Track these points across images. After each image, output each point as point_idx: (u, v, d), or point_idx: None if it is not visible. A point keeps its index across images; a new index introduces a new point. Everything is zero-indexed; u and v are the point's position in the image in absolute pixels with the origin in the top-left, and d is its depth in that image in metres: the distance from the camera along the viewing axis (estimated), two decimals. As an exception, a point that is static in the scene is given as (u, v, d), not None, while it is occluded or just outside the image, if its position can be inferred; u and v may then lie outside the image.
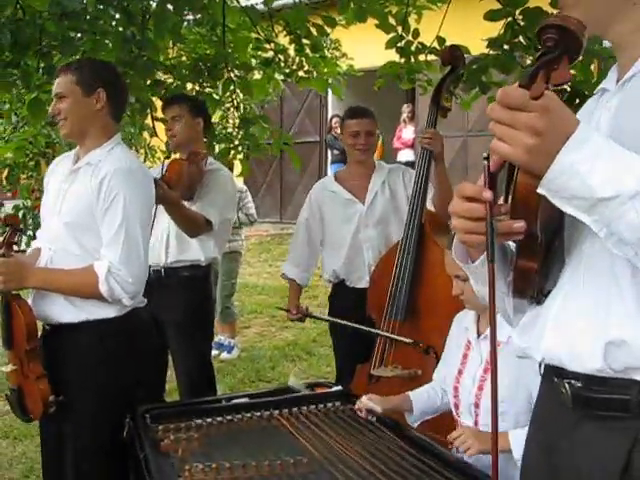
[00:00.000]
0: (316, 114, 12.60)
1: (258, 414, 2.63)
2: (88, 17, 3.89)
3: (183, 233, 3.59)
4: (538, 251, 1.22)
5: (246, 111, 5.17)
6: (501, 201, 1.16)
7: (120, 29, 4.21)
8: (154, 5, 4.32)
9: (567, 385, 1.24)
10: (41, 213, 2.80)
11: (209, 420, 2.55)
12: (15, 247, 2.70)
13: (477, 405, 2.34)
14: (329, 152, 12.22)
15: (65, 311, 2.56)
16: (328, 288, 4.04)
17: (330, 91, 10.30)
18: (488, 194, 1.13)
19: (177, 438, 2.37)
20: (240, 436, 2.46)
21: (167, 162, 3.67)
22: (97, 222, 2.54)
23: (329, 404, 2.74)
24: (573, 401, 1.24)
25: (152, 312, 3.52)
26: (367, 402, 2.51)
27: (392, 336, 3.25)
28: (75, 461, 2.58)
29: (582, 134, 1.05)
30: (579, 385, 1.22)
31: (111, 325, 2.58)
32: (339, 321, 3.61)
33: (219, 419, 2.56)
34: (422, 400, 2.58)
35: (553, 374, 1.28)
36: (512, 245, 1.32)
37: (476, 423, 2.33)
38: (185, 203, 3.57)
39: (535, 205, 1.11)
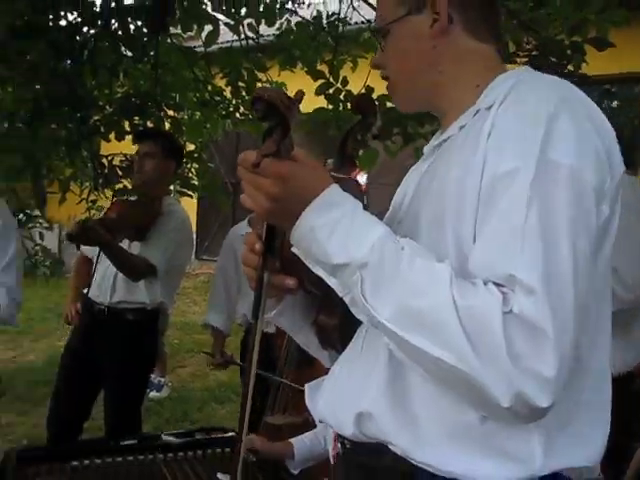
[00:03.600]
0: (272, 154, 12.65)
1: (141, 457, 2.58)
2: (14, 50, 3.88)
3: None
4: (336, 308, 1.23)
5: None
6: None
7: (51, 64, 4.20)
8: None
9: (340, 445, 1.25)
10: None
11: (87, 462, 2.49)
12: None
13: None
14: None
15: None
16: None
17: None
18: (259, 246, 1.15)
19: (46, 481, 2.32)
20: (113, 481, 2.42)
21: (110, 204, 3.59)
22: None
23: (218, 450, 2.70)
24: (344, 460, 1.24)
25: (89, 347, 3.49)
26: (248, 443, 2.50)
27: (287, 381, 3.22)
28: None
29: (326, 200, 1.06)
30: (349, 447, 1.22)
31: None
32: (263, 372, 3.52)
33: (97, 462, 2.51)
34: (303, 447, 2.56)
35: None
36: None
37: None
38: (131, 244, 3.49)
39: (300, 262, 1.11)
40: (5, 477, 2.39)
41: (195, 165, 5.37)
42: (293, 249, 1.10)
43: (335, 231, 1.04)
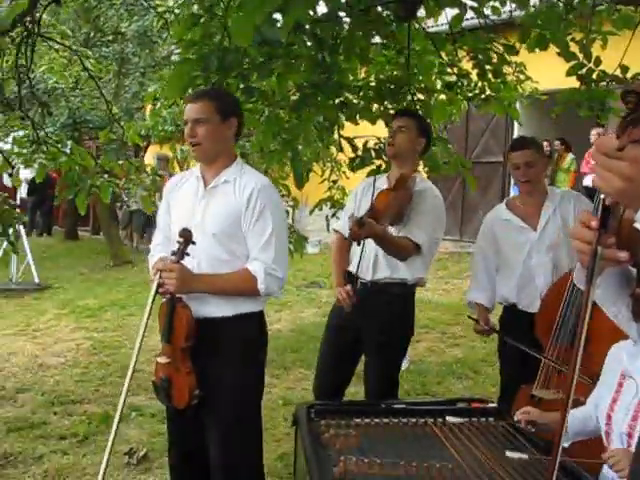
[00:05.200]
0: (501, 134, 12.53)
1: (414, 420, 2.81)
2: (284, 43, 4.23)
3: None
4: None
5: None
6: None
7: (311, 53, 4.53)
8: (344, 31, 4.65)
9: None
10: (172, 228, 3.02)
11: (367, 421, 2.77)
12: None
13: (630, 435, 2.34)
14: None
15: (219, 307, 2.88)
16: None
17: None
18: (594, 223, 1.29)
19: (336, 433, 2.61)
20: (394, 438, 2.66)
21: (376, 194, 3.66)
22: (243, 231, 2.88)
23: (482, 419, 2.87)
24: None
25: (352, 319, 3.73)
26: (526, 414, 2.63)
27: (557, 366, 3.31)
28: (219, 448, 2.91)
29: None
30: None
31: (261, 318, 3.03)
32: (519, 345, 3.64)
33: (377, 421, 2.78)
34: (577, 423, 2.61)
35: None
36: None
37: (628, 453, 2.35)
38: (393, 229, 3.65)
39: (634, 238, 1.23)
40: (299, 427, 2.72)
41: (439, 148, 5.53)
42: (636, 225, 1.23)
43: None
